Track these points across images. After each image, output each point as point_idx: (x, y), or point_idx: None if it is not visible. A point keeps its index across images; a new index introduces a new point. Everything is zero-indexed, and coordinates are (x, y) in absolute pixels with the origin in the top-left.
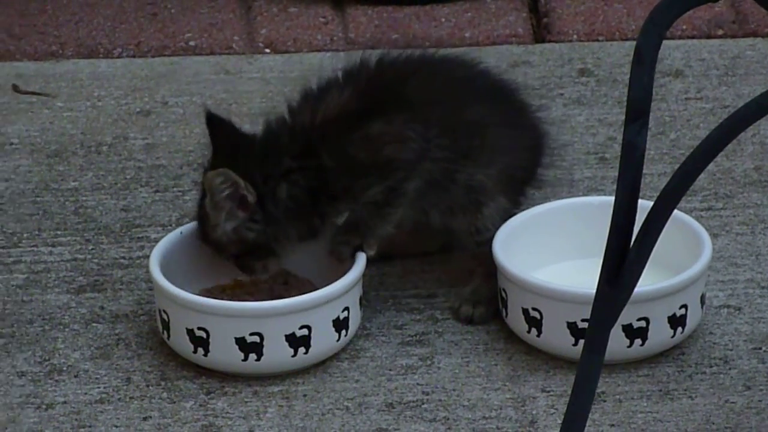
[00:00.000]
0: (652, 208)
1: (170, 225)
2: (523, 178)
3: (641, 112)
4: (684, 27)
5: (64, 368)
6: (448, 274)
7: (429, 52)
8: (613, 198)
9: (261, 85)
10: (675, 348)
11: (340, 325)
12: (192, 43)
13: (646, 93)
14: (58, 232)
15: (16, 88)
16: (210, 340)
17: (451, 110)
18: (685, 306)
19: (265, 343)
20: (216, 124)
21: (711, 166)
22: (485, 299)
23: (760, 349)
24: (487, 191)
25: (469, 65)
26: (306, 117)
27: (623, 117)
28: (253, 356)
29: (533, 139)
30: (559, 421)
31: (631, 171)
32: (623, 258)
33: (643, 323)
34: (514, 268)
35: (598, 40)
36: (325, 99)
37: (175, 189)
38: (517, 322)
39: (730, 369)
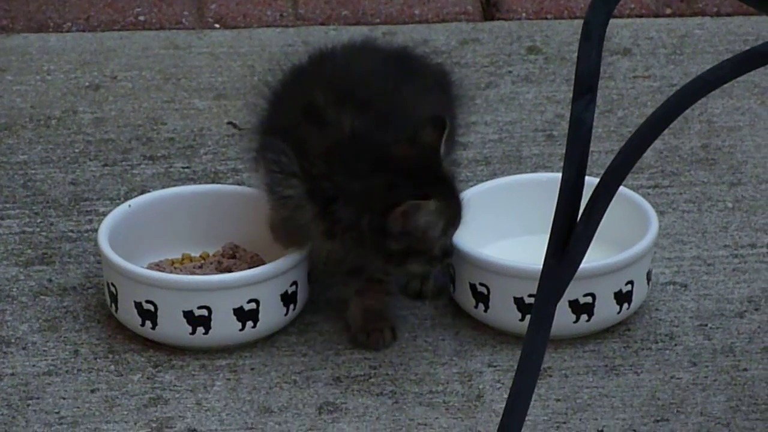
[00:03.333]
0: (599, 183)
1: (119, 199)
2: None
3: (589, 88)
4: (632, 6)
5: (12, 340)
6: None
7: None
8: (560, 175)
9: (210, 60)
10: (621, 324)
11: (288, 299)
12: (142, 18)
13: (593, 69)
14: (7, 205)
15: None
16: (158, 313)
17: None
18: (631, 282)
19: (213, 316)
20: None
21: (658, 144)
22: (433, 274)
23: (706, 325)
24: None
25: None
26: None
27: (571, 95)
28: (201, 330)
29: None
30: (506, 396)
31: (578, 146)
32: (570, 233)
33: (589, 299)
34: (461, 243)
35: (546, 18)
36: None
37: (123, 163)
38: (464, 297)
39: (675, 345)
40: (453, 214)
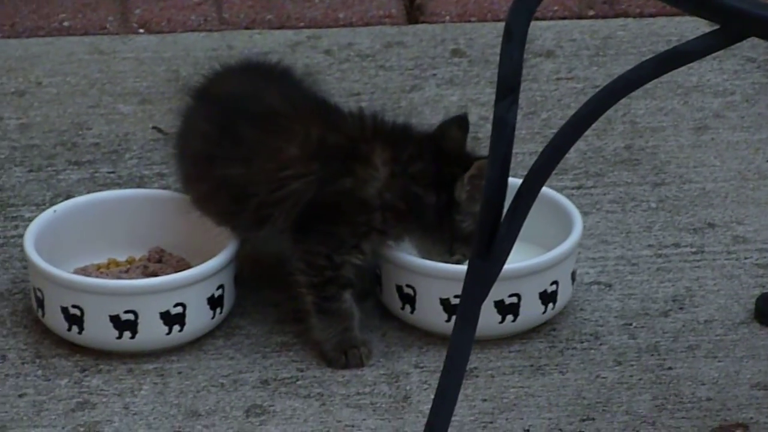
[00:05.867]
0: (522, 183)
1: (44, 204)
2: None
3: (511, 89)
4: (555, 8)
5: None
6: None
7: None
8: None
9: (135, 65)
10: (546, 324)
11: (215, 302)
12: (66, 24)
13: (515, 69)
14: None
15: None
16: (84, 317)
17: None
18: (556, 282)
19: (139, 320)
20: None
21: (582, 145)
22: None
23: (630, 324)
24: None
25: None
26: None
27: (495, 97)
28: (127, 334)
29: None
30: (432, 397)
31: (501, 146)
32: (494, 232)
33: (514, 299)
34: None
35: (470, 21)
36: None
37: (48, 168)
38: (391, 299)
39: (600, 345)
40: None
